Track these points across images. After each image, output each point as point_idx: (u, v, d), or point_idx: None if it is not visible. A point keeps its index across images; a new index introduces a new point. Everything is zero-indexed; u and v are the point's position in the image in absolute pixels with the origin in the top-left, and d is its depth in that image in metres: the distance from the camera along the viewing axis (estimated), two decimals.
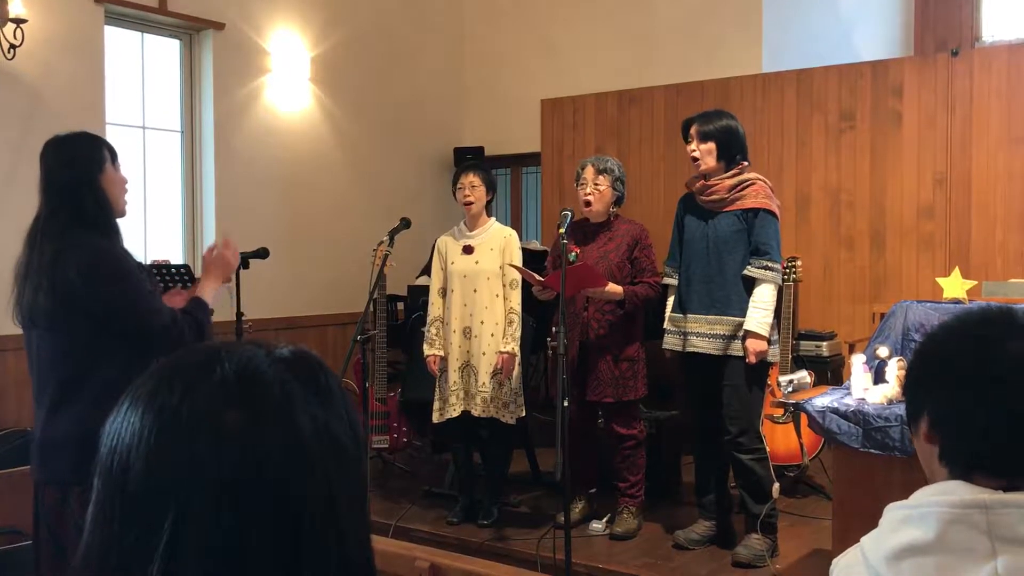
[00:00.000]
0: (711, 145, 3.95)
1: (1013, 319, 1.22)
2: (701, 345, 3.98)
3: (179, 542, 0.70)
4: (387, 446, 5.27)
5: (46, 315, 2.49)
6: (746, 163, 4.02)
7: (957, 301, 3.68)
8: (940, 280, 3.84)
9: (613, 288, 4.17)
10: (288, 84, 6.33)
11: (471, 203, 4.44)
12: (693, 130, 4.01)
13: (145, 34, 5.78)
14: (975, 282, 3.91)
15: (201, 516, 0.71)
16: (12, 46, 4.76)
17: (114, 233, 2.61)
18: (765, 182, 4.01)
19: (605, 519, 4.41)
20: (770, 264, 3.90)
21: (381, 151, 7.02)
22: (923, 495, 1.17)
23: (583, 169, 4.36)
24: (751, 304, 3.89)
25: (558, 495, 3.87)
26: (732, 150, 3.98)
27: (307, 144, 6.49)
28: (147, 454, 0.73)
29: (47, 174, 2.65)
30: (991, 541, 1.09)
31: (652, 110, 6.58)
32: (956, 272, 3.81)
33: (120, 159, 2.82)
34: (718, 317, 3.95)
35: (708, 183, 3.99)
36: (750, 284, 3.93)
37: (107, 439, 0.76)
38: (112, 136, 5.45)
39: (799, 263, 5.08)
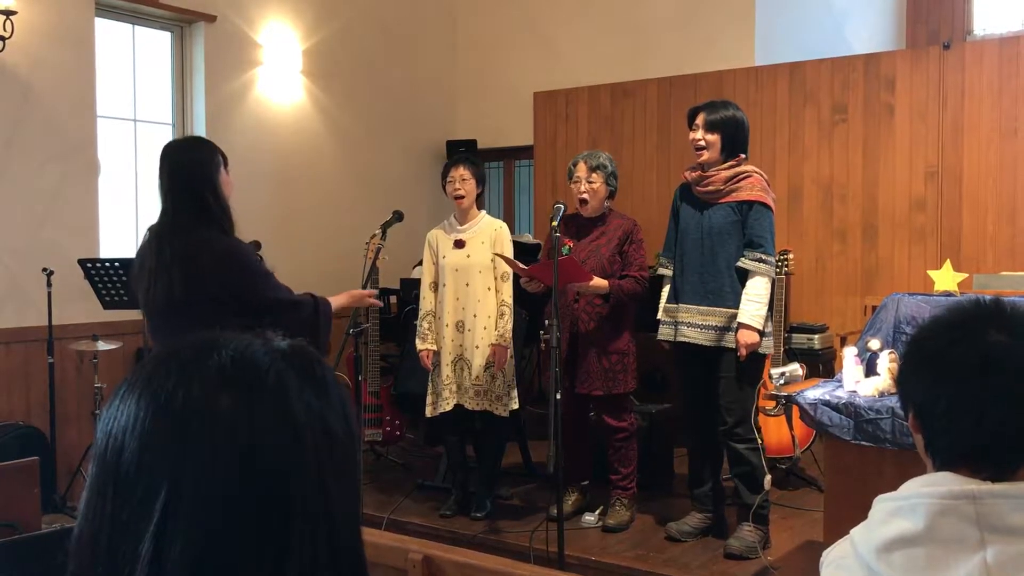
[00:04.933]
0: (717, 137, 3.94)
1: (1000, 310, 1.21)
2: (692, 335, 3.98)
3: (169, 523, 0.71)
4: (380, 439, 5.27)
5: (183, 303, 2.80)
6: (744, 156, 4.02)
7: (948, 293, 3.70)
8: (931, 273, 3.85)
9: (598, 282, 4.17)
10: (280, 77, 6.31)
11: (462, 196, 4.43)
12: (700, 119, 3.99)
13: (136, 26, 5.75)
14: (966, 275, 3.93)
15: (192, 498, 0.71)
16: (2, 38, 4.74)
17: (231, 228, 2.93)
18: (761, 175, 4.01)
19: (598, 511, 4.42)
20: (764, 256, 3.91)
21: (373, 144, 7.01)
22: (912, 487, 1.18)
23: (575, 166, 4.36)
24: (744, 296, 3.90)
25: (551, 487, 3.88)
26: (736, 142, 3.97)
27: (299, 137, 6.47)
28: (141, 436, 0.74)
29: (171, 176, 2.90)
30: (980, 531, 1.10)
31: (645, 103, 6.57)
32: (947, 265, 3.82)
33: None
34: (711, 308, 3.95)
35: (705, 174, 3.99)
36: (744, 276, 3.94)
37: (103, 424, 0.77)
38: (103, 129, 5.44)
39: (791, 256, 5.09)
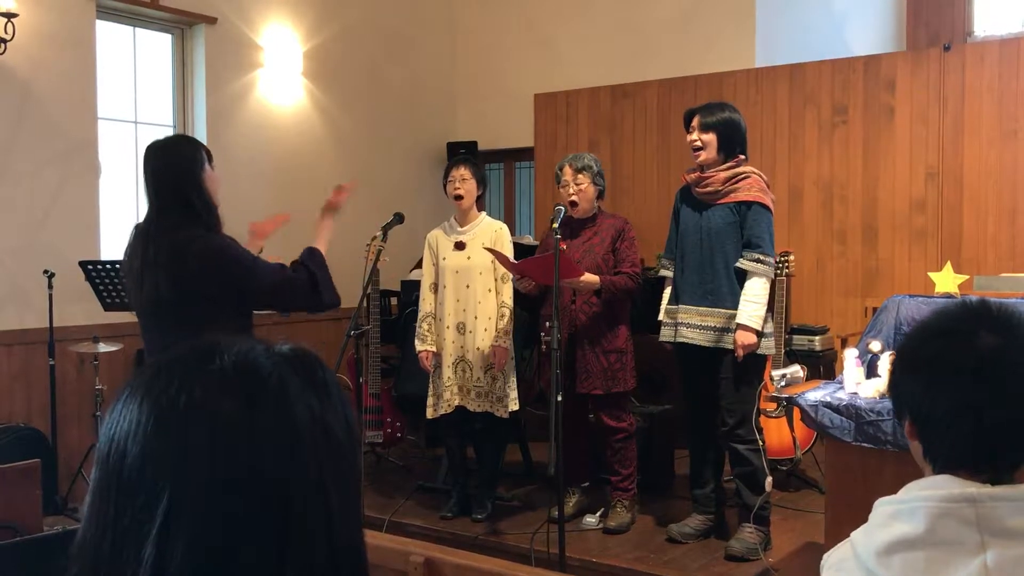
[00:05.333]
0: (712, 136, 3.95)
1: (988, 312, 1.21)
2: (692, 336, 3.99)
3: (172, 527, 0.72)
4: (381, 441, 5.27)
5: (171, 304, 2.80)
6: (743, 157, 4.03)
7: (949, 295, 3.69)
8: (932, 274, 3.85)
9: (588, 278, 4.17)
10: (280, 78, 6.31)
11: (461, 197, 4.44)
12: (695, 121, 4.00)
13: (137, 28, 5.76)
14: (967, 276, 3.93)
15: (194, 501, 0.72)
16: (3, 40, 4.74)
17: (217, 225, 2.93)
18: (760, 176, 4.02)
19: (598, 513, 4.42)
20: (762, 257, 3.91)
21: (374, 145, 7.01)
22: (911, 490, 1.18)
23: (561, 170, 4.38)
24: (742, 297, 3.90)
25: (552, 489, 3.88)
26: (733, 143, 3.98)
27: (300, 138, 6.48)
28: (144, 441, 0.74)
29: (155, 176, 2.90)
30: (980, 534, 1.10)
31: (645, 104, 6.58)
32: (948, 266, 3.82)
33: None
34: (710, 309, 3.96)
35: (704, 175, 4.00)
36: (743, 277, 3.94)
37: (106, 428, 0.78)
38: (104, 131, 5.44)
39: (791, 257, 5.09)
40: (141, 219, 3.00)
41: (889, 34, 8.05)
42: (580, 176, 4.31)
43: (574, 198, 4.31)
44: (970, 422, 1.16)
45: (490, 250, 4.27)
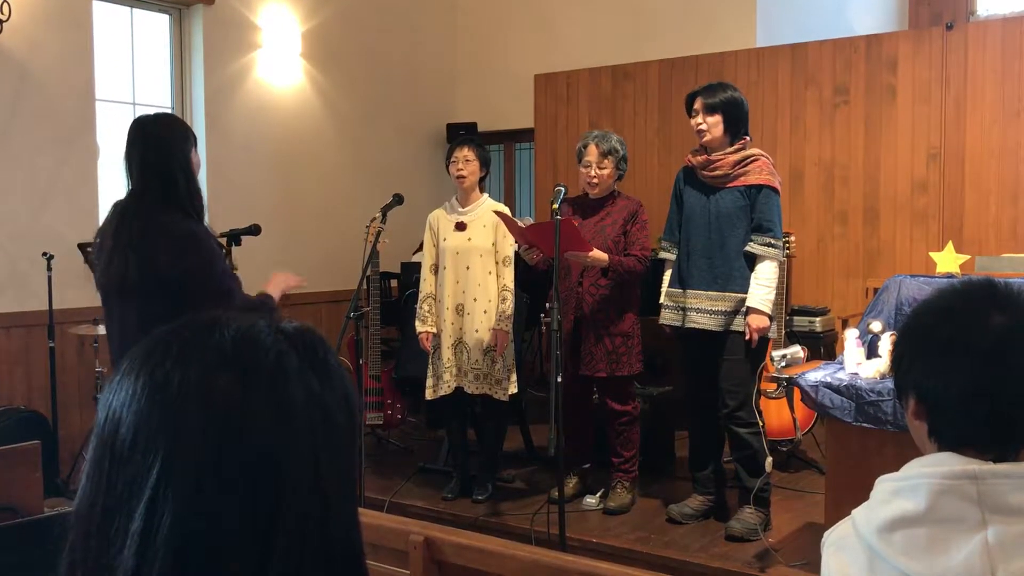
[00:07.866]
0: (718, 118, 3.91)
1: (995, 291, 1.20)
2: (702, 321, 3.97)
3: (160, 500, 0.71)
4: (381, 423, 5.28)
5: (136, 286, 2.70)
6: (748, 138, 3.99)
7: (950, 275, 3.68)
8: (933, 254, 3.84)
9: (597, 254, 4.12)
10: (279, 59, 6.28)
11: (463, 177, 4.42)
12: (698, 103, 3.96)
13: (134, 9, 5.72)
14: (968, 256, 3.91)
15: (184, 475, 0.72)
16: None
17: (201, 211, 2.81)
18: (768, 158, 3.99)
19: (599, 494, 4.42)
20: (773, 241, 3.89)
21: (373, 127, 6.99)
22: (913, 467, 1.17)
23: (585, 148, 4.28)
24: (754, 281, 3.89)
25: (552, 470, 3.88)
26: (738, 124, 3.95)
27: (299, 120, 6.45)
28: (137, 413, 0.74)
29: (143, 152, 2.78)
30: (981, 511, 1.10)
31: (646, 85, 6.54)
32: (949, 246, 3.80)
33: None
34: (720, 293, 3.93)
35: (711, 158, 3.96)
36: (751, 260, 3.92)
37: (104, 398, 0.78)
38: (102, 113, 5.42)
39: (792, 238, 5.08)
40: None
41: (891, 13, 8.00)
42: (605, 161, 4.25)
43: (594, 180, 4.26)
44: (984, 404, 1.15)
45: (498, 213, 4.23)
